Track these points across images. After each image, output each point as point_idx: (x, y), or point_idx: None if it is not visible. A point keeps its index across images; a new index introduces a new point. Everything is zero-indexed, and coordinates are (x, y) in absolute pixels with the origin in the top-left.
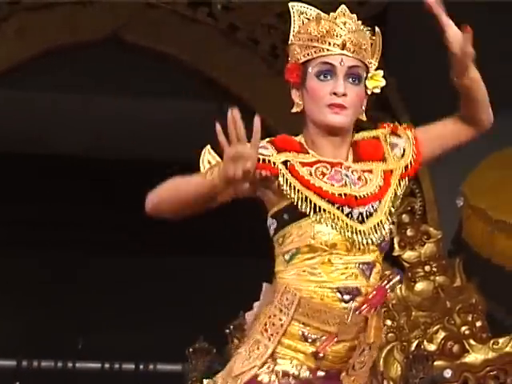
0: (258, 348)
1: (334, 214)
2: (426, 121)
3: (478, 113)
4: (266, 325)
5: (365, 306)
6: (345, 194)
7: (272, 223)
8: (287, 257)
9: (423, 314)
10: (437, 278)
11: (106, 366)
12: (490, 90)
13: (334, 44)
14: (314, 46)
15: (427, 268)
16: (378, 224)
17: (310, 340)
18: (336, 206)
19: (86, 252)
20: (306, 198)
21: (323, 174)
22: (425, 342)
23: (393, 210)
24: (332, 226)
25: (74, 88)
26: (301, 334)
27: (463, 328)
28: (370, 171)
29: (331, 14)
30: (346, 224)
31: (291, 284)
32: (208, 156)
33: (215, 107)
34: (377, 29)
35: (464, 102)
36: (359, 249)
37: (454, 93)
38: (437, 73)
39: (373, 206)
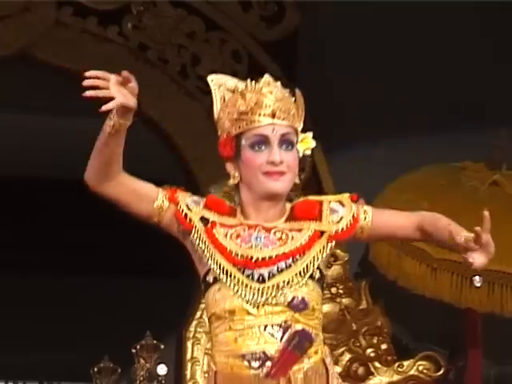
0: None
1: (231, 274)
2: (334, 137)
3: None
4: None
5: (273, 369)
6: (244, 256)
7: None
8: (210, 328)
9: (329, 336)
10: (343, 300)
11: None
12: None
13: (264, 114)
14: (245, 119)
15: (333, 290)
16: (281, 283)
17: None
18: (237, 267)
19: None
20: (212, 253)
21: (238, 236)
22: None
23: (311, 270)
24: (231, 289)
25: None
26: None
27: (368, 350)
28: (299, 230)
29: (256, 85)
30: (243, 283)
31: (211, 357)
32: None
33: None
34: (297, 91)
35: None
36: (262, 311)
37: (363, 110)
38: (347, 92)
39: (278, 267)
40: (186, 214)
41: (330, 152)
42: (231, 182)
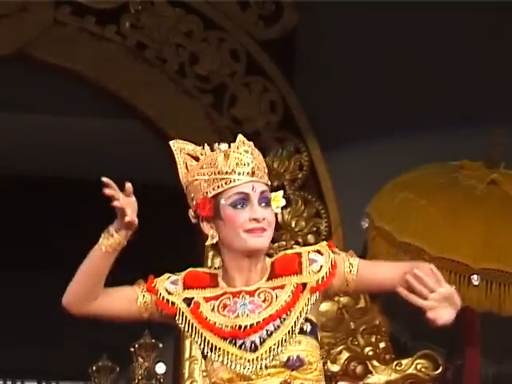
0: None
1: (223, 350)
2: (332, 136)
3: None
4: None
5: None
6: (233, 327)
7: None
8: None
9: (327, 335)
10: (341, 299)
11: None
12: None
13: (243, 173)
14: (223, 178)
15: None
16: (274, 345)
17: None
18: (228, 340)
19: None
20: (201, 335)
21: (224, 307)
22: (328, 363)
23: (298, 325)
24: (224, 361)
25: None
26: None
27: (367, 349)
28: (282, 287)
29: (232, 144)
30: (236, 356)
31: None
32: None
33: (122, 126)
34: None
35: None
36: (260, 374)
37: (361, 109)
38: (345, 93)
39: (267, 331)
40: (167, 300)
41: (327, 151)
42: (209, 242)
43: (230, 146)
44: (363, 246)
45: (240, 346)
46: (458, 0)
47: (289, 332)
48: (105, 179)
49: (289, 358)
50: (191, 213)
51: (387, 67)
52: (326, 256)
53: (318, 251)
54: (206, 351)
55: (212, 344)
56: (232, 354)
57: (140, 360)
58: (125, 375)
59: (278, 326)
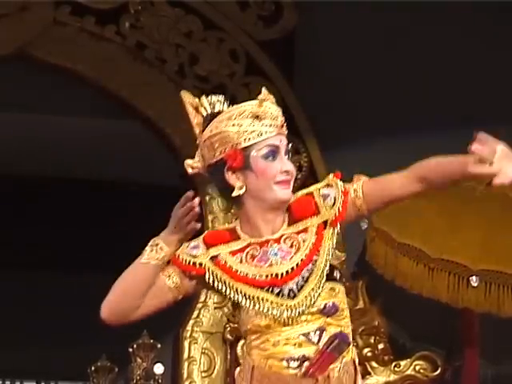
0: None
1: (262, 298)
2: (331, 136)
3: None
4: None
5: (311, 369)
6: (269, 276)
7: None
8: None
9: None
10: None
11: None
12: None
13: (273, 125)
14: (255, 130)
15: None
16: (312, 290)
17: None
18: (265, 288)
19: None
20: (236, 288)
21: (253, 257)
22: None
23: (329, 262)
24: (262, 309)
25: None
26: None
27: (365, 350)
28: (305, 230)
29: (259, 97)
30: (276, 303)
31: (248, 354)
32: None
33: (122, 126)
34: None
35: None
36: (297, 321)
37: (360, 110)
38: (345, 93)
39: (303, 277)
40: (194, 263)
41: (327, 151)
42: (236, 192)
43: (228, 106)
44: (362, 247)
45: (277, 294)
46: (458, 0)
47: (322, 271)
48: (189, 193)
49: (325, 305)
50: (189, 163)
51: (387, 67)
52: (335, 187)
53: (328, 185)
54: (241, 302)
55: (248, 294)
56: (271, 302)
57: (138, 360)
58: (123, 375)
59: (312, 270)
